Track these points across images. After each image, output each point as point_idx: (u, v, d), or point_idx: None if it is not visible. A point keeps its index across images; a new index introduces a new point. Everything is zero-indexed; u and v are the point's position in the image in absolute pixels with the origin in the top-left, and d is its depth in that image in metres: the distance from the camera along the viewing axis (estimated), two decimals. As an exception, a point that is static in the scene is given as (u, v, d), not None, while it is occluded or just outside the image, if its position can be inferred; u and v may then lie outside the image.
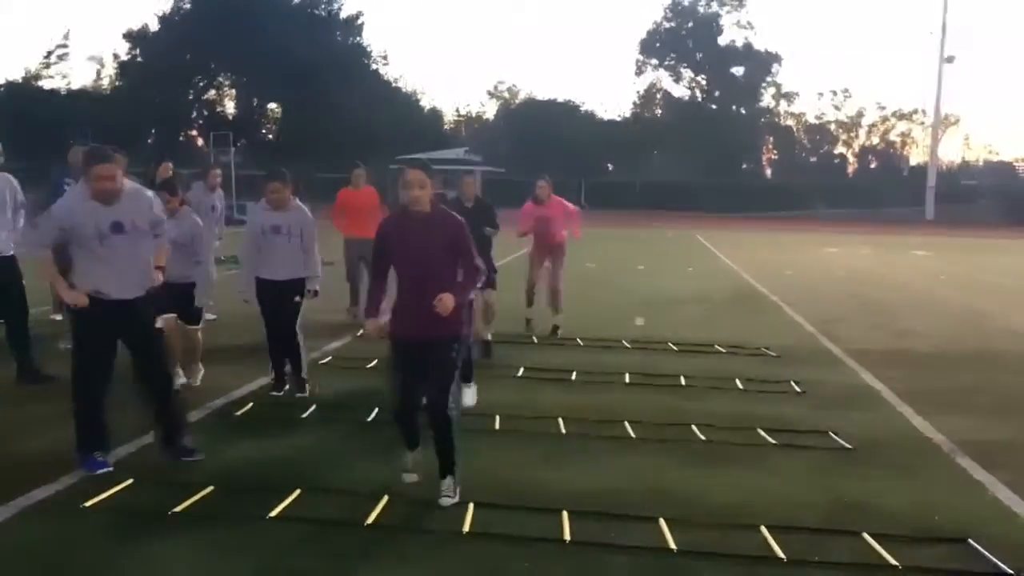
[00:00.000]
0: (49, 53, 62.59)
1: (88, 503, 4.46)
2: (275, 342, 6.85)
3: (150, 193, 5.26)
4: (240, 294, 6.93)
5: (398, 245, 4.68)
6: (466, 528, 4.30)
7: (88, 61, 64.89)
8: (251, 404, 6.52)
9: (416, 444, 4.88)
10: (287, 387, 6.84)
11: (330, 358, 8.28)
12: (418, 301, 4.57)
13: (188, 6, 63.19)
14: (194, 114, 66.07)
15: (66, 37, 64.96)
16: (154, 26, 63.60)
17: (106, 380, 5.04)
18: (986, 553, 4.14)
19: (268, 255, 6.72)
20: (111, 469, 4.96)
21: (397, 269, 4.75)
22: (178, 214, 6.59)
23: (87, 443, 5.01)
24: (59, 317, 9.24)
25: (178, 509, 4.41)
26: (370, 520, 4.37)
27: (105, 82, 65.29)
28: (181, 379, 6.75)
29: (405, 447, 4.88)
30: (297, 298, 6.75)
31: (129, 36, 63.53)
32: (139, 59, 62.86)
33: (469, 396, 6.63)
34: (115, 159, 4.90)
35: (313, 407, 6.47)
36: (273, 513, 4.39)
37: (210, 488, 4.71)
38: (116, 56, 64.32)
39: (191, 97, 65.03)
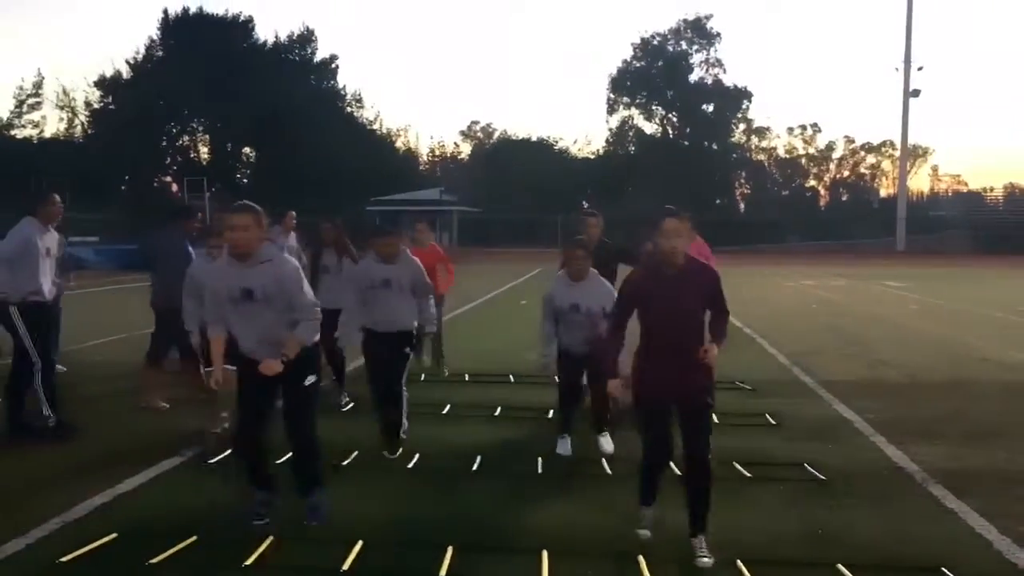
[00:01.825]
0: (21, 102, 62.45)
1: (65, 558, 4.40)
2: (382, 396, 6.60)
3: (292, 263, 4.90)
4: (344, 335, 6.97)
5: (654, 302, 4.46)
6: (443, 572, 4.30)
7: (59, 110, 64.01)
8: (228, 450, 6.47)
9: (654, 500, 4.76)
10: (400, 449, 6.51)
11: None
12: (676, 360, 4.40)
13: (160, 53, 63.38)
14: (168, 160, 65.97)
15: (38, 86, 64.48)
16: (126, 73, 63.70)
17: (261, 431, 4.91)
18: (959, 581, 4.20)
19: (377, 308, 6.61)
20: (261, 522, 4.83)
21: (648, 326, 4.52)
22: None
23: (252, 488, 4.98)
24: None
25: (155, 560, 4.38)
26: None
27: (77, 130, 65.14)
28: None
29: (644, 503, 4.76)
30: (407, 349, 6.67)
31: (101, 83, 63.54)
32: (111, 106, 62.80)
33: (607, 444, 6.59)
34: (251, 212, 4.72)
35: (291, 452, 6.43)
36: (248, 561, 4.38)
37: (193, 538, 4.64)
38: (88, 104, 64.27)
39: (164, 143, 64.96)
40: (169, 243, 8.01)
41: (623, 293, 4.67)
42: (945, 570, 4.32)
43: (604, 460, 6.32)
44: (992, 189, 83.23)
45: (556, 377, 6.76)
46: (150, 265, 8.34)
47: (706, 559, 4.43)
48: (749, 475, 5.96)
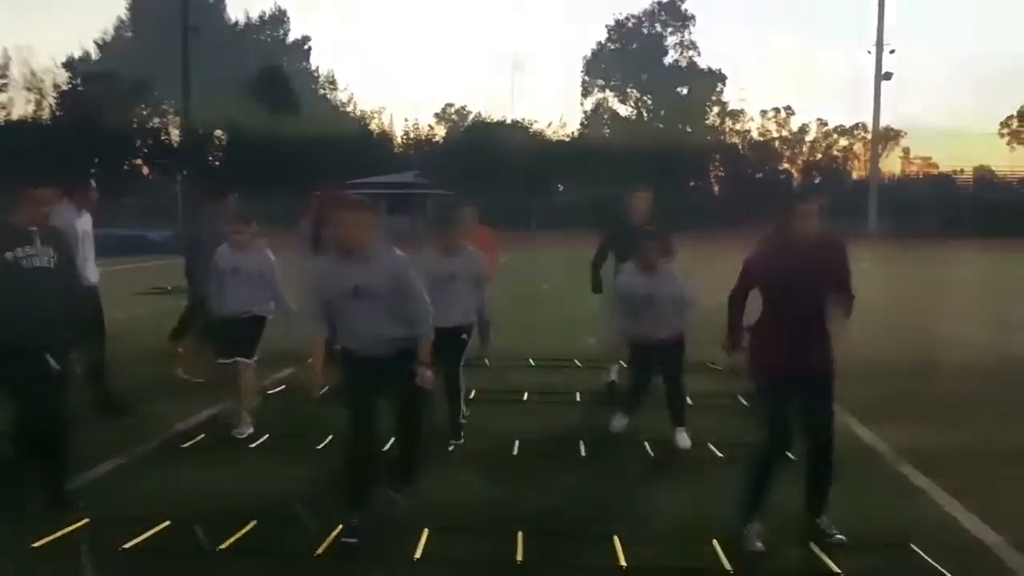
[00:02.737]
0: (-13, 84, 61.41)
1: (37, 543, 4.37)
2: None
3: (402, 256, 4.68)
4: None
5: (782, 279, 4.37)
6: (418, 554, 4.33)
7: (27, 92, 62.93)
8: (202, 435, 6.48)
9: (760, 510, 4.47)
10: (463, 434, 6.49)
11: (283, 386, 8.22)
12: (799, 337, 4.32)
13: (130, 34, 62.55)
14: (138, 143, 65.16)
15: (5, 68, 63.42)
16: (95, 54, 62.81)
17: (370, 438, 4.72)
18: (927, 558, 4.27)
19: (441, 302, 6.32)
20: (353, 541, 4.47)
21: (773, 302, 4.44)
22: (250, 246, 6.70)
23: (351, 505, 4.65)
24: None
25: (128, 545, 4.36)
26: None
27: (46, 112, 64.15)
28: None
29: (755, 505, 4.48)
30: (464, 336, 6.58)
31: (69, 65, 62.59)
32: (80, 88, 61.93)
33: (683, 440, 6.40)
34: (367, 208, 4.54)
35: (267, 436, 6.44)
36: (224, 545, 4.37)
37: (166, 523, 4.64)
38: (56, 85, 63.31)
39: (135, 125, 64.16)
40: (207, 229, 8.02)
41: (749, 269, 4.56)
42: (914, 546, 4.40)
43: (581, 442, 6.34)
44: (962, 171, 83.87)
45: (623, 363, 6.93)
46: (192, 252, 8.37)
47: (839, 536, 4.45)
48: (721, 455, 6.03)
